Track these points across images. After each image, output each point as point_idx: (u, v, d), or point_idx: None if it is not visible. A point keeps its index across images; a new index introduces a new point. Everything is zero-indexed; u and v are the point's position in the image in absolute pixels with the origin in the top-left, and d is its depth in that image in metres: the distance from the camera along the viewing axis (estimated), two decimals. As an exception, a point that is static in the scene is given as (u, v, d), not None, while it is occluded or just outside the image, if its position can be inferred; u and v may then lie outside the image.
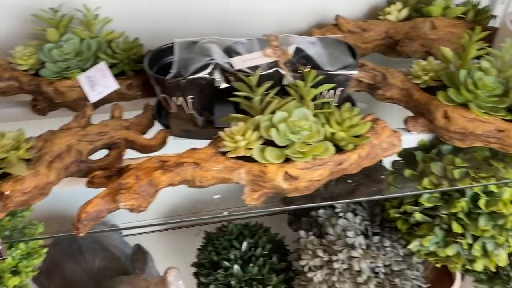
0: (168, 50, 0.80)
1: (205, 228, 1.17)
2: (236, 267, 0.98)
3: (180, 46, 0.78)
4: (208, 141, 0.74)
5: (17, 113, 0.88)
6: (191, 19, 0.91)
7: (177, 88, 0.73)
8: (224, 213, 0.76)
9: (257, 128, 0.68)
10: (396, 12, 0.97)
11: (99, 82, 0.80)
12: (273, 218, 1.21)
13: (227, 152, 0.67)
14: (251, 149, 0.67)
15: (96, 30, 0.83)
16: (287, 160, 0.66)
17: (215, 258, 1.02)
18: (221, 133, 0.68)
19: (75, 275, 0.98)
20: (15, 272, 0.75)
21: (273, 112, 0.68)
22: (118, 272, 0.98)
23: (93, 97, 0.80)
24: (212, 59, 0.74)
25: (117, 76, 0.82)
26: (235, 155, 0.67)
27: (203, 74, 0.73)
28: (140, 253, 0.93)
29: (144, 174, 0.66)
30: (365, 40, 0.95)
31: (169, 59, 0.80)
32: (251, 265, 0.99)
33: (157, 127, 0.82)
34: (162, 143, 0.78)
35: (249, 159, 0.67)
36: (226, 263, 0.99)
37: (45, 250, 0.83)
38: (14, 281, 0.73)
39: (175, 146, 0.81)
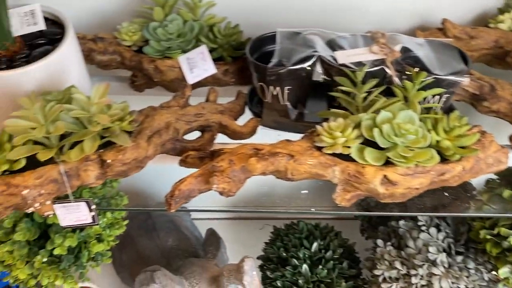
0: (269, 39, 0.79)
1: (272, 223, 1.16)
2: (305, 266, 0.96)
3: (282, 36, 0.77)
4: (296, 135, 0.73)
5: (115, 87, 0.91)
6: (291, 10, 0.89)
7: (277, 78, 0.72)
8: (312, 209, 0.74)
9: (357, 126, 0.65)
10: (510, 21, 0.90)
11: (198, 64, 0.81)
12: (343, 222, 1.18)
13: (323, 147, 0.66)
14: (348, 147, 0.64)
15: (199, 13, 0.84)
16: (387, 163, 0.63)
17: (284, 254, 1.00)
18: (318, 128, 0.66)
19: (147, 250, 1.00)
20: (99, 239, 0.78)
21: (376, 112, 0.65)
22: (189, 253, 0.99)
23: (191, 79, 0.81)
24: (315, 51, 0.72)
25: (215, 60, 0.82)
26: (331, 152, 0.65)
27: (305, 65, 0.71)
28: (213, 238, 0.94)
29: (238, 159, 0.66)
30: (472, 48, 0.89)
31: (270, 47, 0.79)
32: (320, 267, 0.97)
33: (247, 115, 0.82)
34: (253, 131, 0.78)
35: (345, 157, 0.64)
36: (295, 261, 0.98)
37: (125, 222, 0.86)
38: (98, 248, 0.76)
39: (262, 135, 0.80)
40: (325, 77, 0.73)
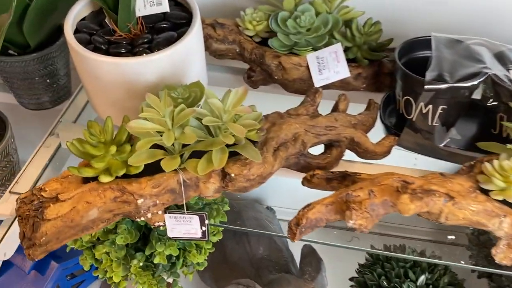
0: (420, 43, 0.67)
1: (361, 237, 1.04)
2: (409, 303, 0.85)
3: (439, 42, 0.64)
4: (438, 162, 0.61)
5: (226, 79, 0.82)
6: (443, 11, 0.75)
7: (432, 94, 0.60)
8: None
9: (540, 170, 0.52)
10: None
11: (329, 65, 0.70)
12: (449, 248, 1.04)
13: (490, 190, 0.53)
14: (525, 195, 0.51)
15: (335, 4, 0.73)
16: None
17: (385, 284, 0.89)
18: (487, 166, 0.53)
19: (235, 255, 0.93)
20: (198, 248, 0.71)
21: None
22: (280, 266, 0.90)
23: (318, 82, 0.70)
24: (485, 67, 0.59)
25: (348, 62, 0.71)
26: (502, 198, 0.52)
27: (473, 83, 0.58)
28: (313, 258, 0.84)
29: (380, 192, 0.55)
30: None
31: (420, 54, 0.67)
32: (427, 305, 0.85)
33: (376, 129, 0.70)
34: (387, 152, 0.66)
35: (517, 207, 0.52)
36: (399, 295, 0.86)
37: (222, 229, 0.78)
38: (197, 259, 0.69)
39: (395, 156, 0.69)
40: (491, 99, 0.60)
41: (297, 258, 0.97)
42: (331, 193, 0.57)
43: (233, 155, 0.54)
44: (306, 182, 0.61)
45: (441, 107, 0.61)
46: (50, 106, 0.86)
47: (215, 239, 0.75)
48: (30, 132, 0.85)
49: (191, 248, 0.68)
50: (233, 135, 0.51)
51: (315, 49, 0.71)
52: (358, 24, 0.71)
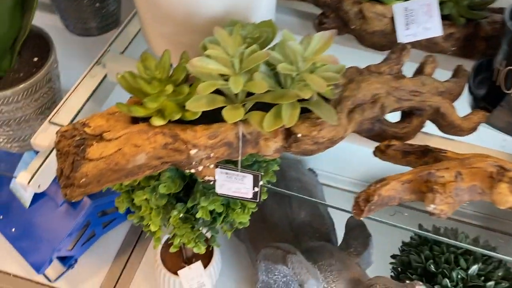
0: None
1: (408, 211, 0.96)
2: (457, 292, 0.78)
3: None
4: None
5: (293, 23, 0.73)
6: None
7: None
8: None
9: None
10: None
11: (418, 20, 0.60)
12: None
13: None
14: None
15: None
16: None
17: (432, 268, 0.82)
18: None
19: (275, 217, 0.87)
20: (243, 206, 0.65)
21: None
22: (321, 234, 0.84)
23: (404, 37, 0.60)
24: None
25: (441, 18, 0.60)
26: None
27: None
28: (361, 232, 0.78)
29: (470, 175, 0.47)
30: None
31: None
32: (476, 298, 0.78)
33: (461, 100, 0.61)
34: (474, 129, 0.57)
35: None
36: (447, 282, 0.80)
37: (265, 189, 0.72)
38: (240, 218, 0.64)
39: (479, 135, 0.60)
40: None
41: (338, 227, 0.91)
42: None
43: (302, 112, 0.47)
44: (379, 153, 0.53)
45: (553, 83, 0.51)
46: (97, 33, 0.80)
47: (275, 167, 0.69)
48: (73, 59, 0.79)
49: (235, 206, 0.62)
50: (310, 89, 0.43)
51: (404, -2, 0.60)
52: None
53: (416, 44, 0.63)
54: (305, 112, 0.47)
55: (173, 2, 0.51)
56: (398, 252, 0.93)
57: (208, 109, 0.43)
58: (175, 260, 0.86)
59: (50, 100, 0.62)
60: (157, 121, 0.43)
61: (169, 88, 0.43)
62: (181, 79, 0.45)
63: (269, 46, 0.49)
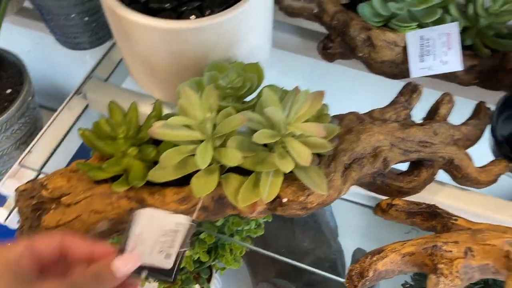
0: None
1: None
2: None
3: None
4: None
5: (295, 43, 0.66)
6: None
7: None
8: None
9: None
10: None
11: (435, 51, 0.52)
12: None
13: None
14: None
15: (458, -36, 0.53)
16: None
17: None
18: None
19: (276, 242, 0.82)
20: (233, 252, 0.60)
21: None
22: (326, 263, 0.79)
23: (417, 71, 0.53)
24: None
25: (463, 49, 0.52)
26: None
27: None
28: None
29: (482, 253, 0.40)
30: None
31: None
32: None
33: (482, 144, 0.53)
34: (493, 181, 0.50)
35: None
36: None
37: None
38: (230, 264, 0.59)
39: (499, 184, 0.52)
40: None
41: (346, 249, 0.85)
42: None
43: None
44: (381, 212, 0.47)
45: None
46: (89, 46, 0.74)
47: (259, 232, 0.64)
48: (67, 75, 0.74)
49: (223, 251, 0.57)
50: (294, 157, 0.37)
51: (420, 25, 0.53)
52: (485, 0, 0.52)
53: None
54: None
55: (150, 38, 0.45)
56: (409, 280, 0.87)
57: (177, 177, 0.37)
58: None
59: (26, 134, 0.58)
60: (119, 187, 0.38)
61: (133, 151, 0.38)
62: (148, 136, 0.40)
63: (258, 90, 0.43)
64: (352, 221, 0.95)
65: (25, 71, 0.58)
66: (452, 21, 0.52)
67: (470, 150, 0.52)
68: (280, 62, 0.69)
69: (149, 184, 0.40)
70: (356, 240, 0.89)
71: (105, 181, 0.40)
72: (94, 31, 0.71)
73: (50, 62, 0.74)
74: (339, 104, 0.50)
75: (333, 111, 0.47)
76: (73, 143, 0.54)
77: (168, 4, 0.46)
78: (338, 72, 0.67)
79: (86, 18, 0.69)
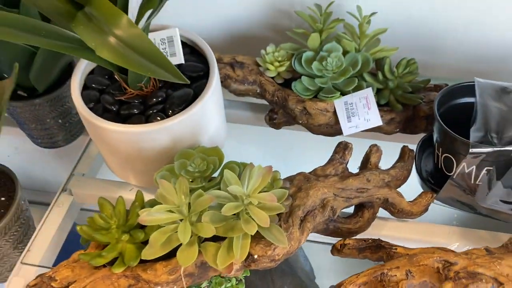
0: (461, 89, 0.60)
1: None
2: None
3: (484, 91, 0.57)
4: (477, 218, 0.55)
5: (247, 117, 0.77)
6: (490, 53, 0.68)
7: (477, 157, 0.53)
8: None
9: None
10: None
11: (359, 112, 0.64)
12: None
13: (544, 275, 0.47)
14: None
15: (364, 41, 0.66)
16: None
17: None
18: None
19: (258, 293, 0.89)
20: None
21: None
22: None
23: (347, 129, 0.64)
24: (540, 127, 0.52)
25: (379, 106, 0.64)
26: (559, 285, 0.46)
27: (524, 147, 0.52)
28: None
29: (419, 272, 0.50)
30: None
31: (460, 101, 0.60)
32: None
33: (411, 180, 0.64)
34: (424, 211, 0.61)
35: None
36: None
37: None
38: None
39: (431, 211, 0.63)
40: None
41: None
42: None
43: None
44: (336, 252, 0.56)
45: (486, 168, 0.55)
46: (64, 144, 0.83)
47: (240, 286, 0.71)
48: (45, 172, 0.82)
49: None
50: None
51: (343, 93, 0.65)
52: (391, 65, 0.65)
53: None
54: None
55: (123, 141, 0.54)
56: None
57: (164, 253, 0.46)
58: None
59: (22, 233, 0.64)
60: (117, 269, 0.46)
61: (125, 237, 0.46)
62: (136, 222, 0.48)
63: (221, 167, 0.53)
64: (326, 260, 1.03)
65: (15, 178, 0.66)
66: (367, 86, 0.64)
67: (404, 186, 0.63)
68: (237, 133, 0.80)
69: (142, 262, 0.48)
70: (332, 278, 0.97)
71: (103, 265, 0.48)
72: (68, 129, 0.80)
73: (30, 162, 0.81)
74: (291, 158, 0.60)
75: (287, 166, 0.57)
76: (61, 236, 0.62)
77: (136, 110, 0.56)
78: (287, 135, 0.78)
79: (60, 121, 0.78)
